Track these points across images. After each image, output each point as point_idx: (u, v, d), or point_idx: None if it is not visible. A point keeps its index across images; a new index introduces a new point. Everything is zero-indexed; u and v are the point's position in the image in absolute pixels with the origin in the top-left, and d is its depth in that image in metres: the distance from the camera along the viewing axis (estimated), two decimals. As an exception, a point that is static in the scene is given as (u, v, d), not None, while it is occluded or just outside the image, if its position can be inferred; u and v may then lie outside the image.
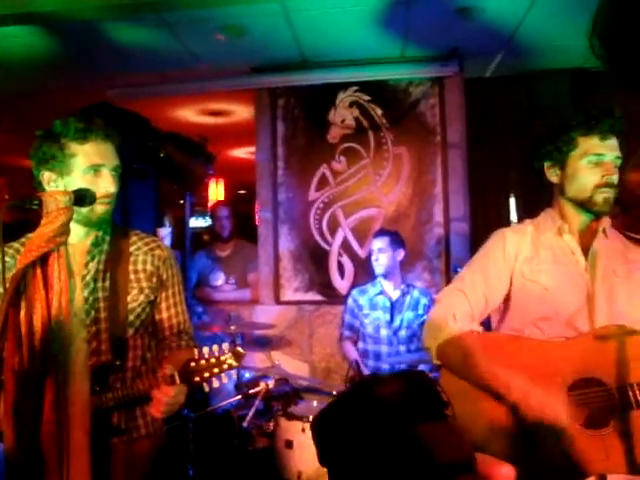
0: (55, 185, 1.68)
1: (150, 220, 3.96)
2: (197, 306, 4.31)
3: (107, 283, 1.71)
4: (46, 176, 1.69)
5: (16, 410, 1.46)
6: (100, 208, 1.68)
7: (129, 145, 3.55)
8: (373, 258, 3.58)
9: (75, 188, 1.63)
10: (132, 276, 1.75)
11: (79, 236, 1.74)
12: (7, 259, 1.68)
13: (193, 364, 1.52)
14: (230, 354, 1.51)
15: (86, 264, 1.71)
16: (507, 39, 3.65)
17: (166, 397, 1.55)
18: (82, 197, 1.61)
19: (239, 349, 1.55)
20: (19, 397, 1.46)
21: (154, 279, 1.78)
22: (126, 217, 3.67)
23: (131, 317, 1.73)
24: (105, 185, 1.67)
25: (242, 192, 9.45)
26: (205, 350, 1.52)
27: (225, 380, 1.53)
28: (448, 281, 3.87)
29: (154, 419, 1.74)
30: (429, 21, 3.43)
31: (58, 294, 1.52)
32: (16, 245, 1.74)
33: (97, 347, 1.66)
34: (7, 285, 1.47)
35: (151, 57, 3.85)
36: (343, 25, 3.46)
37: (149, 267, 1.78)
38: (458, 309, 1.85)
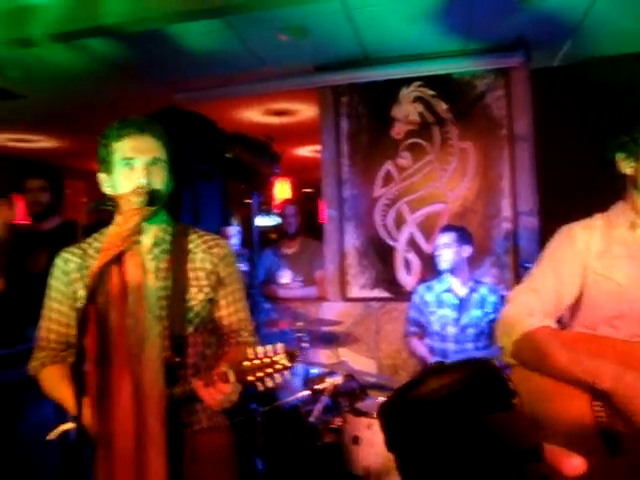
0: (107, 185, 1.75)
1: (218, 220, 4.07)
2: (264, 303, 4.39)
3: (168, 282, 1.72)
4: (102, 178, 1.76)
5: (98, 400, 1.54)
6: (134, 199, 1.66)
7: (196, 147, 3.66)
8: (437, 253, 3.53)
9: (118, 185, 1.69)
10: (191, 274, 1.75)
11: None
12: (76, 259, 1.76)
13: (247, 363, 1.50)
14: (284, 354, 1.49)
15: (149, 261, 1.75)
16: (575, 26, 3.53)
17: (220, 394, 1.55)
18: (153, 197, 1.67)
19: (293, 350, 1.52)
20: (100, 388, 1.54)
21: (212, 277, 1.79)
22: (195, 217, 3.79)
23: (190, 315, 1.74)
24: (137, 177, 1.67)
25: (308, 190, 9.53)
26: (260, 350, 1.50)
27: (279, 380, 1.50)
28: (517, 277, 3.78)
29: (215, 413, 1.76)
30: (492, 11, 3.35)
31: (133, 291, 1.59)
32: (84, 245, 1.80)
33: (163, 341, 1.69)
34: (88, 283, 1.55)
35: (216, 61, 3.96)
36: (404, 20, 3.44)
37: (207, 265, 1.79)
38: (531, 307, 1.80)
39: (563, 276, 1.81)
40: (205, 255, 1.79)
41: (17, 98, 4.48)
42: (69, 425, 1.73)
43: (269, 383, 1.48)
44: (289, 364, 1.48)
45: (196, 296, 1.75)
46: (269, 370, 1.48)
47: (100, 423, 1.53)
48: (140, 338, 1.58)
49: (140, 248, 1.67)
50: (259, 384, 1.49)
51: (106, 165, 1.73)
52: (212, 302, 1.81)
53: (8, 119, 5.32)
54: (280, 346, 1.49)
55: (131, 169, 1.68)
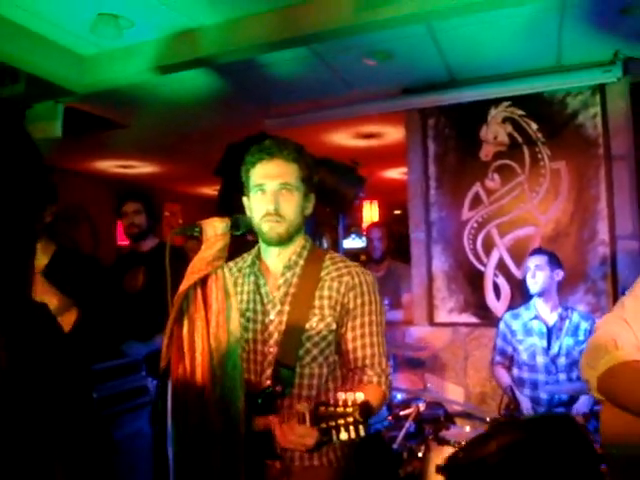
0: (248, 209, 1.82)
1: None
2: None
3: (289, 308, 1.72)
4: (245, 202, 1.85)
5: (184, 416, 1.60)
6: (265, 226, 1.74)
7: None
8: (529, 275, 3.37)
9: (254, 208, 1.76)
10: (317, 302, 1.72)
11: (273, 256, 1.81)
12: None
13: (323, 408, 1.40)
14: (357, 407, 1.37)
15: (278, 286, 1.78)
16: (680, 36, 3.33)
17: (292, 434, 1.48)
18: (237, 223, 1.73)
19: (368, 404, 1.38)
20: (183, 404, 1.60)
21: (338, 307, 1.72)
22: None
23: (308, 344, 1.71)
24: (266, 203, 1.72)
25: (397, 212, 9.49)
26: (340, 396, 1.39)
27: (353, 436, 1.35)
28: (616, 304, 3.57)
29: (328, 452, 1.73)
30: (587, 25, 3.23)
31: (216, 313, 1.65)
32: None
33: (263, 370, 1.72)
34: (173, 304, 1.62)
35: (304, 87, 4.07)
36: (491, 39, 3.39)
37: (334, 294, 1.73)
38: (620, 337, 1.69)
39: None
40: (333, 283, 1.74)
41: (120, 128, 4.80)
42: None
43: (343, 435, 1.36)
44: (360, 419, 1.35)
45: (317, 325, 1.71)
46: (342, 421, 1.37)
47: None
48: (222, 360, 1.63)
49: (224, 272, 1.72)
50: (333, 434, 1.38)
51: (246, 190, 1.81)
52: (339, 334, 1.75)
53: (114, 147, 5.70)
54: (359, 396, 1.38)
55: (262, 195, 1.74)
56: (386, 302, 4.45)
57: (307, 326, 1.71)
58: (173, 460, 1.60)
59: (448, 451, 2.77)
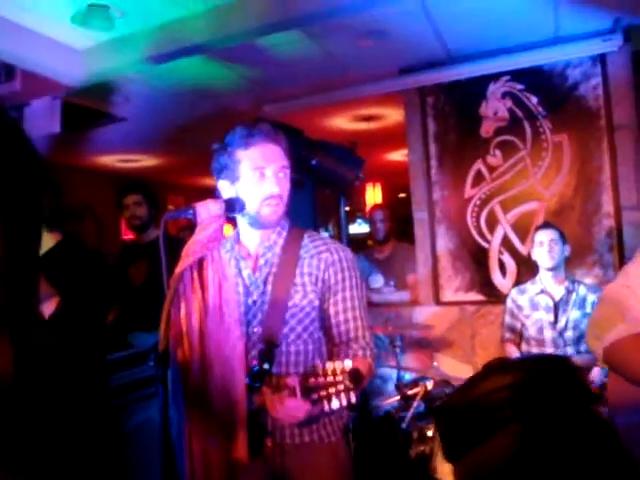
0: (230, 192, 1.78)
1: (309, 227, 4.12)
2: (357, 309, 4.39)
3: (271, 287, 1.74)
4: (222, 185, 1.81)
5: (185, 397, 1.61)
6: (266, 209, 1.73)
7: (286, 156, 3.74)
8: (544, 250, 3.31)
9: (245, 192, 1.74)
10: (298, 279, 1.74)
11: (254, 239, 1.82)
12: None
13: (313, 380, 1.41)
14: (346, 374, 1.38)
15: (259, 267, 1.79)
16: (681, 2, 3.26)
17: (282, 407, 1.50)
18: (232, 204, 1.72)
19: (358, 370, 1.40)
20: (183, 387, 1.61)
21: (319, 284, 1.74)
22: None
23: (292, 322, 1.72)
24: (269, 186, 1.72)
25: (402, 195, 9.45)
26: (329, 366, 1.40)
27: (345, 403, 1.37)
28: (623, 276, 3.54)
29: (318, 428, 1.74)
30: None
31: (213, 295, 1.65)
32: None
33: (249, 351, 1.72)
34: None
35: (300, 70, 4.04)
36: (486, 12, 3.33)
37: (314, 271, 1.75)
38: (624, 308, 1.67)
39: None
40: (313, 260, 1.77)
41: (118, 121, 4.79)
42: None
43: (334, 404, 1.37)
44: (350, 385, 1.37)
45: (300, 302, 1.73)
46: (332, 390, 1.38)
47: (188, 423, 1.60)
48: (221, 342, 1.63)
49: (220, 254, 1.71)
50: (325, 403, 1.39)
51: (229, 173, 1.77)
52: (321, 310, 1.77)
53: (115, 141, 5.70)
54: (347, 364, 1.39)
55: (261, 178, 1.73)
56: (392, 283, 4.46)
57: (290, 304, 1.72)
58: (177, 445, 1.61)
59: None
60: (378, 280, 4.52)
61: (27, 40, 3.38)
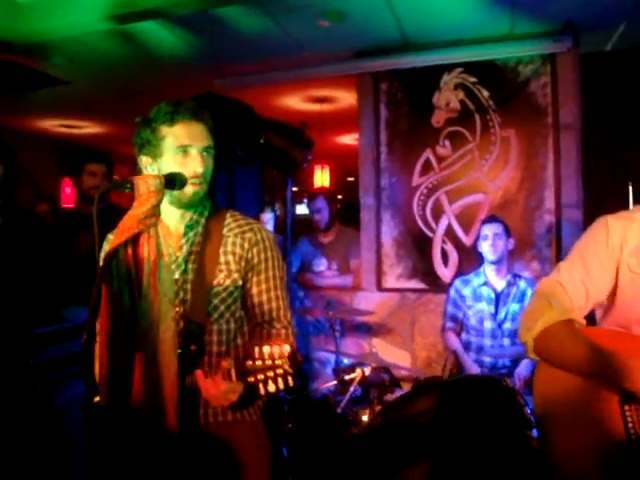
0: (151, 168, 1.73)
1: (254, 206, 4.07)
2: (299, 291, 4.38)
3: (195, 266, 1.71)
4: (144, 160, 1.75)
5: (109, 379, 1.54)
6: (190, 189, 1.69)
7: (233, 133, 3.65)
8: (487, 243, 3.40)
9: (167, 170, 1.67)
10: (222, 259, 1.72)
11: (175, 218, 1.77)
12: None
13: (250, 363, 1.40)
14: (286, 359, 1.38)
15: (180, 246, 1.75)
16: (631, 7, 3.33)
17: (215, 390, 1.50)
18: (172, 180, 1.65)
19: (297, 355, 1.41)
20: (111, 368, 1.54)
21: (243, 263, 1.74)
22: (231, 203, 3.79)
23: (215, 301, 1.71)
24: (194, 165, 1.67)
25: (351, 179, 9.47)
26: (266, 350, 1.40)
27: (281, 386, 1.38)
28: (558, 271, 3.64)
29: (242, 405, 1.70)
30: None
31: (147, 274, 1.57)
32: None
33: (178, 329, 1.67)
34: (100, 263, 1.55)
35: (255, 46, 3.94)
36: (445, 4, 3.34)
37: (238, 250, 1.74)
38: (555, 300, 1.70)
39: (592, 270, 1.70)
40: (236, 239, 1.75)
41: (61, 84, 4.58)
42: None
43: (271, 387, 1.38)
44: (290, 370, 1.37)
45: (224, 281, 1.72)
46: (271, 373, 1.38)
47: (112, 403, 1.53)
48: (153, 321, 1.57)
49: (160, 230, 1.65)
50: (261, 387, 1.39)
51: (151, 148, 1.71)
52: (244, 289, 1.76)
53: (56, 105, 5.45)
54: (286, 349, 1.39)
55: (186, 156, 1.68)
56: (335, 267, 4.45)
57: (214, 282, 1.70)
58: (107, 425, 1.56)
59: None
60: (321, 263, 4.50)
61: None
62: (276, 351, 1.39)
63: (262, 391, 1.39)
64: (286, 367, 1.37)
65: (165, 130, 1.69)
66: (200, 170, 1.68)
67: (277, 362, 1.38)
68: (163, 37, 3.74)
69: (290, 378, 1.37)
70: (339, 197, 7.49)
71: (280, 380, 1.38)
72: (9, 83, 4.31)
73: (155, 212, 1.61)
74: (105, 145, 7.12)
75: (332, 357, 3.64)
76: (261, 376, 1.39)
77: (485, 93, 3.92)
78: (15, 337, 2.73)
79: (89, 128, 6.49)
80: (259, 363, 1.39)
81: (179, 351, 1.61)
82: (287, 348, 1.39)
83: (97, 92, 4.98)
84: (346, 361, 3.64)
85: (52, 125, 6.34)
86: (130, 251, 1.58)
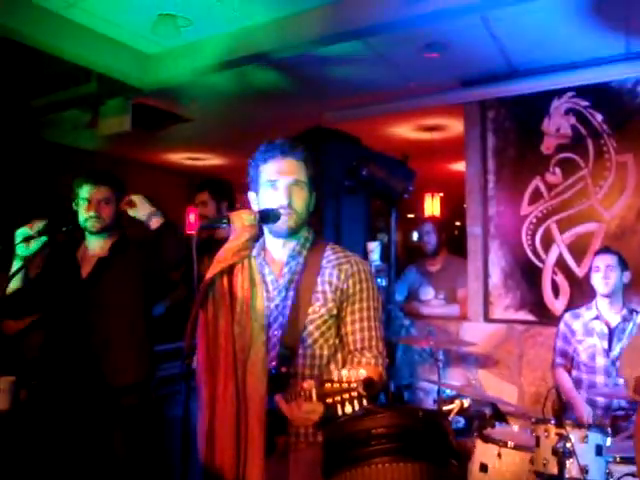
0: (255, 203, 1.90)
1: (361, 234, 4.16)
2: (405, 319, 4.39)
3: (295, 292, 1.82)
4: (250, 196, 1.94)
5: (206, 399, 1.69)
6: (280, 219, 1.81)
7: (341, 164, 3.80)
8: (599, 275, 3.25)
9: (263, 203, 1.83)
10: (319, 288, 1.81)
11: (277, 247, 1.91)
12: None
13: (329, 385, 1.47)
14: (360, 382, 1.43)
15: (283, 274, 1.88)
16: None
17: (298, 411, 1.56)
18: (267, 215, 1.80)
19: (372, 379, 1.46)
20: (208, 386, 1.68)
21: (338, 293, 1.81)
22: (337, 231, 3.92)
23: (310, 327, 1.80)
24: (279, 197, 1.81)
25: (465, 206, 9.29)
26: (344, 373, 1.46)
27: (357, 408, 1.43)
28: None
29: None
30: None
31: (241, 301, 1.71)
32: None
33: (271, 351, 1.79)
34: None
35: (361, 80, 4.07)
36: (550, 26, 3.26)
37: (335, 280, 1.82)
38: None
39: None
40: (334, 270, 1.85)
41: (186, 121, 4.99)
42: None
43: (348, 409, 1.43)
44: (364, 393, 1.43)
45: (319, 309, 1.81)
46: (346, 395, 1.44)
47: (206, 423, 1.67)
48: (245, 345, 1.69)
49: (250, 262, 1.78)
50: (338, 408, 1.45)
51: (254, 185, 1.90)
52: (339, 318, 1.84)
53: (182, 140, 5.92)
54: (362, 373, 1.45)
55: (274, 190, 1.83)
56: (442, 296, 4.42)
57: (310, 310, 1.79)
58: (199, 441, 1.69)
59: (492, 449, 2.75)
60: (428, 292, 4.49)
61: (102, 45, 3.60)
62: (352, 375, 1.45)
63: (340, 412, 1.45)
64: (360, 390, 1.43)
65: (261, 168, 1.86)
66: (285, 201, 1.80)
67: (352, 385, 1.44)
68: (273, 76, 3.98)
69: (364, 400, 1.42)
70: (457, 224, 7.37)
71: (356, 402, 1.43)
72: (144, 123, 4.77)
73: (249, 245, 1.75)
74: (227, 175, 7.56)
75: (435, 387, 3.61)
76: (338, 398, 1.45)
77: (599, 117, 3.76)
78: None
79: (211, 160, 6.95)
80: (336, 385, 1.46)
81: (273, 372, 1.73)
82: (363, 372, 1.45)
83: (217, 127, 5.36)
84: (448, 392, 3.59)
85: (180, 158, 6.86)
86: (225, 280, 1.73)
